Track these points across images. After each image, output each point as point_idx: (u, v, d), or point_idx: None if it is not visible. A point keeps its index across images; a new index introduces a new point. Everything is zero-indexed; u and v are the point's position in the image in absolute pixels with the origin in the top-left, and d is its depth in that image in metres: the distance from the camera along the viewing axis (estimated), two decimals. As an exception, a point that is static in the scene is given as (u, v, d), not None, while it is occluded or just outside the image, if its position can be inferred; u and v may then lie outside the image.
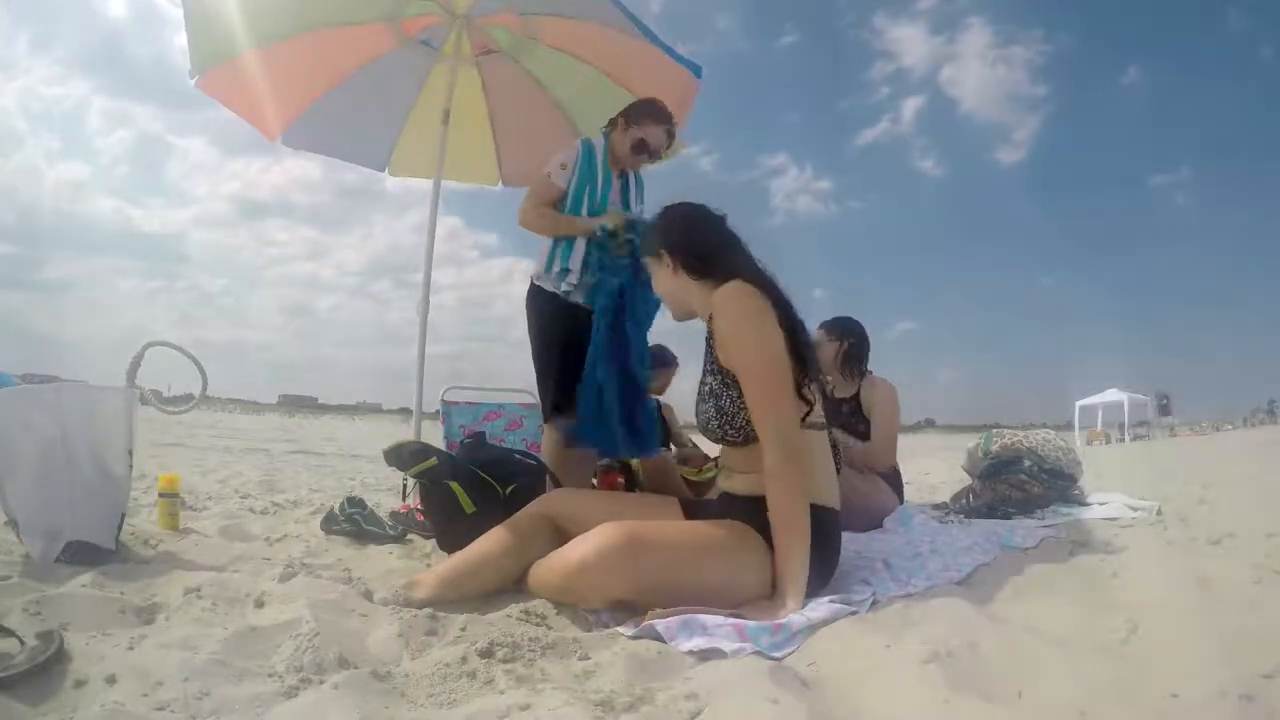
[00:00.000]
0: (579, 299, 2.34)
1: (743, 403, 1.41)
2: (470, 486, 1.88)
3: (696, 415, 1.54)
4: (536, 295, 2.43)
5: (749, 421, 1.41)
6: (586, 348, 2.23)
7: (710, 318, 1.50)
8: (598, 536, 1.32)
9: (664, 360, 3.50)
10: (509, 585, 1.46)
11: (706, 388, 1.49)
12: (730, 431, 1.45)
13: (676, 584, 1.29)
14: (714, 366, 1.48)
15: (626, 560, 1.29)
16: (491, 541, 1.51)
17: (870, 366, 2.79)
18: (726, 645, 1.11)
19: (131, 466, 1.76)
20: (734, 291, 1.44)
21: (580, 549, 1.32)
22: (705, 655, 1.09)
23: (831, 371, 2.74)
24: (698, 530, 1.41)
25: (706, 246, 1.55)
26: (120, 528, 1.71)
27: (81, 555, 1.56)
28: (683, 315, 1.63)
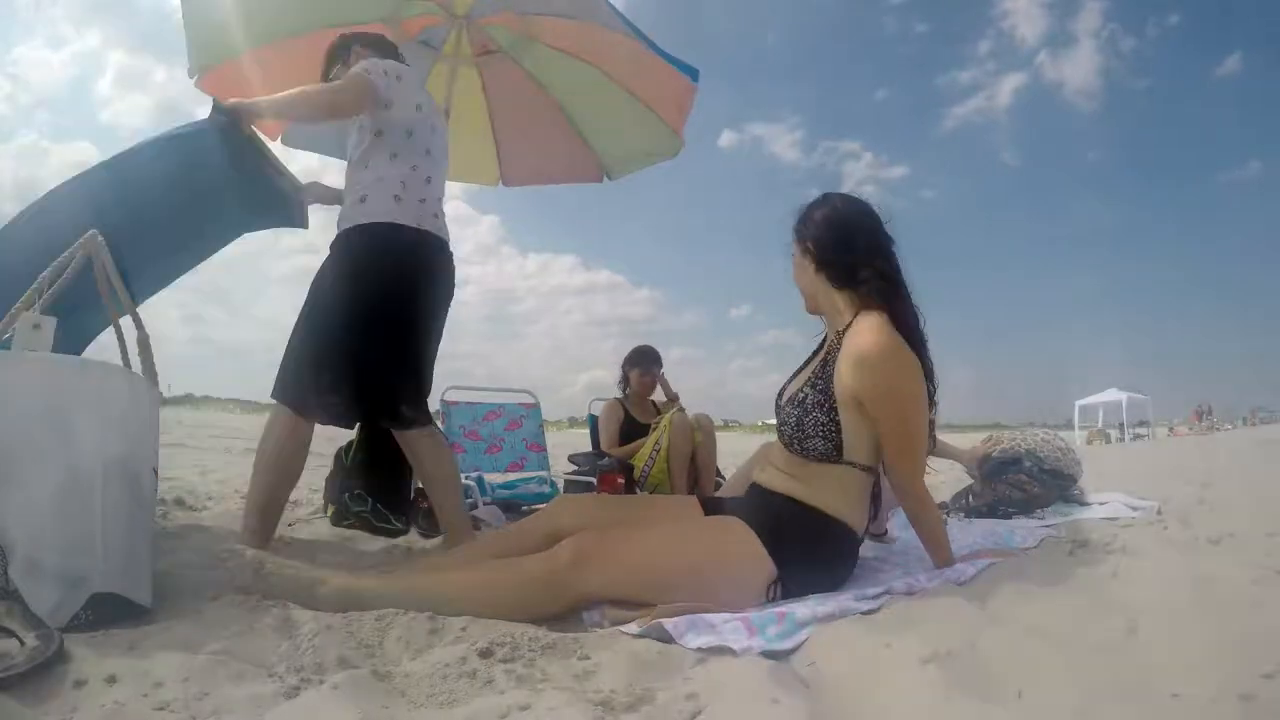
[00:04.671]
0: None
1: (826, 429, 1.39)
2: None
3: (776, 412, 1.51)
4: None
5: (821, 447, 1.40)
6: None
7: (841, 335, 1.42)
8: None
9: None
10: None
11: (802, 395, 1.43)
12: (798, 447, 1.43)
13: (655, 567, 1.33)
14: (823, 385, 1.41)
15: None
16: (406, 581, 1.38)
17: None
18: (735, 643, 1.11)
19: (156, 489, 1.47)
20: (887, 342, 1.34)
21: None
22: (708, 654, 1.09)
23: None
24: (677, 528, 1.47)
25: (852, 256, 1.43)
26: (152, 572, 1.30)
27: (112, 614, 1.13)
28: (814, 310, 1.54)
